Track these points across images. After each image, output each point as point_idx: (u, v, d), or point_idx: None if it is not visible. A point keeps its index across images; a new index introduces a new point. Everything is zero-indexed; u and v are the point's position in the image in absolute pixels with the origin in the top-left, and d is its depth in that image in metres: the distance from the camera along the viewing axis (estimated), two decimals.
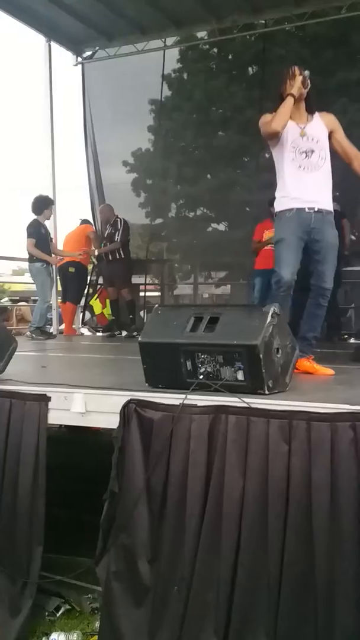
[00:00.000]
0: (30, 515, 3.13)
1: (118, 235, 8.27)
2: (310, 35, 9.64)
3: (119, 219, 8.39)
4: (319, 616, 2.47)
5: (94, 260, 9.07)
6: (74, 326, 9.11)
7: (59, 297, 8.89)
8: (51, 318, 8.72)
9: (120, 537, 2.84)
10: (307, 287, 4.15)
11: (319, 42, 9.65)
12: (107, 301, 8.98)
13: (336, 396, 3.07)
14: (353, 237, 8.57)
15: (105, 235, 8.40)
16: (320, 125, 4.13)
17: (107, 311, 9.17)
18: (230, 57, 11.31)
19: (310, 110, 4.14)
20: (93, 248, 8.75)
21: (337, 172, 4.23)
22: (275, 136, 4.03)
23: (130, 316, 8.44)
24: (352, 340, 6.99)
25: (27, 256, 7.70)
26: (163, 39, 9.51)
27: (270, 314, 3.09)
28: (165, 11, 8.83)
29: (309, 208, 4.01)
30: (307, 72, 4.06)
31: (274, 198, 4.25)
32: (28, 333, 7.72)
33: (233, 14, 8.88)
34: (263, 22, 9.30)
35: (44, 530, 3.13)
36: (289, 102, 4.01)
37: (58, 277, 8.71)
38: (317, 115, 4.16)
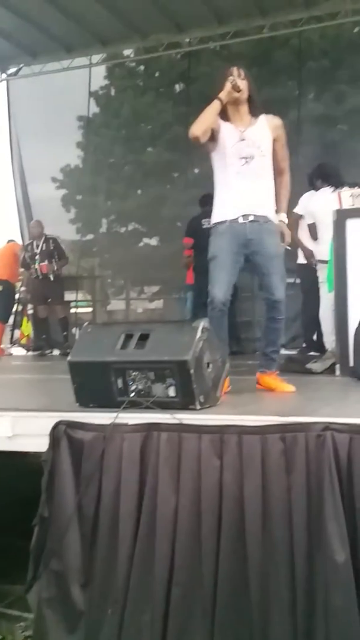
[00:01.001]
0: None
1: (56, 254, 8.20)
2: (234, 53, 9.80)
3: (50, 238, 8.32)
4: (254, 630, 2.47)
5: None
6: (2, 346, 8.93)
7: None
8: None
9: (51, 562, 2.77)
10: None
11: (243, 60, 9.79)
12: (25, 319, 8.87)
13: (266, 408, 3.11)
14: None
15: (39, 252, 8.28)
16: (264, 130, 3.86)
17: (27, 330, 9.06)
18: (156, 74, 11.43)
19: (254, 114, 3.87)
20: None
21: None
22: (196, 141, 3.74)
23: (64, 334, 8.35)
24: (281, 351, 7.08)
25: None
26: (89, 57, 9.53)
27: (200, 329, 3.10)
28: (91, 30, 8.88)
29: (243, 217, 3.78)
30: (235, 80, 3.76)
31: None
32: None
33: (157, 33, 9.00)
34: (188, 40, 9.45)
35: None
36: (212, 106, 3.75)
37: None
38: (262, 118, 3.88)
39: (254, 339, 8.11)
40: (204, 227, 7.32)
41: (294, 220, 5.92)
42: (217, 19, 8.79)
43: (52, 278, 8.19)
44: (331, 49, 10.45)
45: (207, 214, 7.43)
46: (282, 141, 3.94)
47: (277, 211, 3.95)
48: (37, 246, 8.29)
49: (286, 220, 4.01)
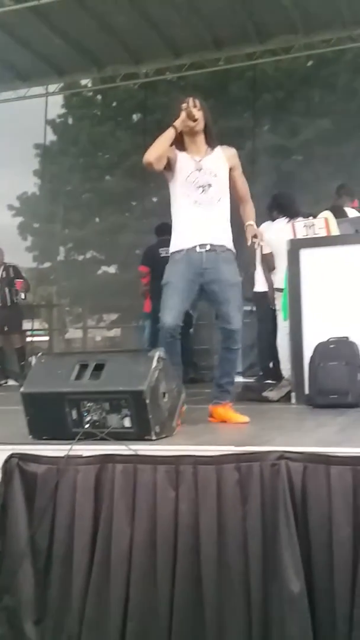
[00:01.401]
0: None
1: (24, 279, 8.16)
2: (190, 84, 9.99)
3: (10, 266, 8.26)
4: None
5: None
6: None
7: None
8: None
9: (4, 598, 2.71)
10: None
11: (199, 91, 9.97)
12: None
13: (222, 438, 3.11)
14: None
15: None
16: (221, 159, 3.88)
17: None
18: (114, 104, 11.55)
19: (211, 144, 3.89)
20: None
21: None
22: (150, 167, 3.72)
23: (22, 363, 8.24)
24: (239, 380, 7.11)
25: None
26: (45, 86, 9.59)
27: (155, 358, 3.10)
28: (47, 60, 8.94)
29: (200, 247, 3.76)
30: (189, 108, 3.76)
31: None
32: None
33: (114, 64, 9.10)
34: (144, 71, 9.59)
35: None
36: (166, 133, 3.75)
37: None
38: (218, 149, 3.90)
39: (211, 367, 8.14)
40: (162, 255, 7.39)
41: (252, 250, 5.99)
42: (173, 51, 8.95)
43: (9, 303, 8.10)
44: (285, 82, 10.74)
45: (164, 242, 7.50)
46: (239, 169, 3.98)
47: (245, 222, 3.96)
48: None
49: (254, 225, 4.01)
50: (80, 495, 2.69)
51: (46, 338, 10.80)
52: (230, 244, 3.89)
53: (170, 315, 3.73)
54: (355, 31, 8.76)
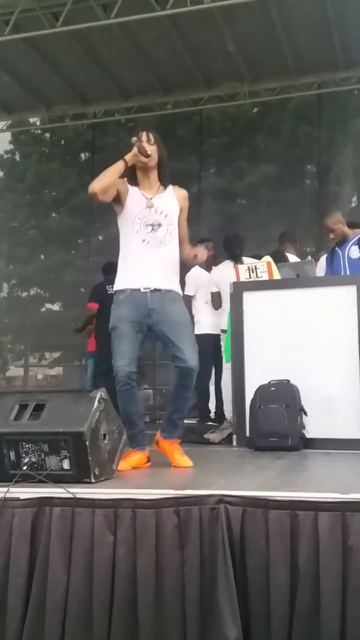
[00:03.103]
0: None
1: None
2: (139, 126, 10.13)
3: None
4: None
5: None
6: None
7: None
8: None
9: None
10: None
11: None
12: None
13: (162, 481, 3.10)
14: None
15: None
16: (172, 199, 3.79)
17: None
18: (62, 142, 11.62)
19: (163, 182, 3.80)
20: None
21: None
22: (95, 197, 3.62)
23: None
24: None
25: None
26: None
27: (97, 399, 3.09)
28: None
29: (144, 288, 3.68)
30: (137, 142, 3.68)
31: None
32: None
33: (63, 104, 9.20)
34: (93, 112, 9.70)
35: None
36: (115, 165, 3.66)
37: None
38: (170, 188, 3.81)
39: (153, 407, 8.14)
40: (109, 292, 7.38)
41: (187, 298, 6.08)
42: (121, 93, 9.11)
43: None
44: (231, 127, 11.03)
45: (111, 281, 7.51)
46: (186, 213, 3.91)
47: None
48: None
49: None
50: (16, 539, 2.63)
51: None
52: (177, 287, 3.83)
53: (123, 361, 3.64)
54: (300, 80, 9.10)
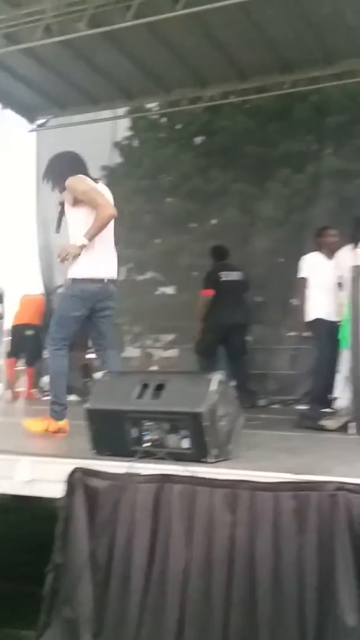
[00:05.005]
0: None
1: None
2: (254, 107, 10.06)
3: None
4: None
5: None
6: (32, 390, 8.99)
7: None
8: None
9: (64, 610, 2.78)
10: None
11: (263, 114, 10.08)
12: None
13: (280, 465, 3.11)
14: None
15: None
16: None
17: None
18: (178, 126, 11.69)
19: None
20: None
21: None
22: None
23: (85, 380, 8.35)
24: (297, 407, 7.06)
25: None
26: (114, 110, 9.82)
27: (215, 381, 3.15)
28: (117, 84, 9.15)
29: None
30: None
31: None
32: None
33: (181, 88, 9.24)
34: (210, 95, 9.71)
35: None
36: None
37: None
38: None
39: (269, 391, 8.12)
40: (222, 279, 7.44)
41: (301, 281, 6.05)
42: (238, 75, 9.03)
43: None
44: (351, 105, 10.67)
45: (223, 267, 7.55)
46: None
47: None
48: None
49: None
50: (139, 513, 2.75)
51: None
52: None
53: None
54: None
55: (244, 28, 7.86)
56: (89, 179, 4.13)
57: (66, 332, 4.14)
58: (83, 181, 4.06)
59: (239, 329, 7.48)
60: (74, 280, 4.09)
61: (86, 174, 4.20)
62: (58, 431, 4.13)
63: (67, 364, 4.21)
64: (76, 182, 4.05)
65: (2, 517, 3.87)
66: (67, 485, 2.91)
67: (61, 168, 4.23)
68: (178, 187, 11.29)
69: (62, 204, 4.19)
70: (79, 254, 4.01)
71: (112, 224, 4.14)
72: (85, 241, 3.98)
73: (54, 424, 4.14)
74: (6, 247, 9.75)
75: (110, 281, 4.15)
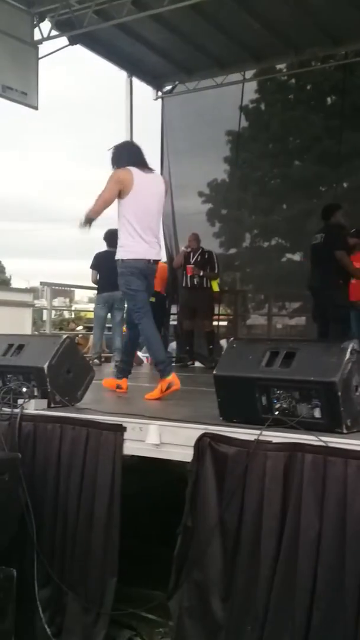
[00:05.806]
0: (105, 546, 3.15)
1: (217, 268, 8.45)
2: None
3: (207, 251, 8.50)
4: None
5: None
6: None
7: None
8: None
9: (193, 572, 2.82)
10: None
11: None
12: None
13: None
14: None
15: (193, 262, 8.42)
16: None
17: None
18: (308, 87, 11.30)
19: None
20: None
21: None
22: None
23: (209, 347, 8.40)
24: None
25: None
26: (242, 72, 9.64)
27: (349, 350, 3.03)
28: (245, 46, 8.97)
29: None
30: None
31: None
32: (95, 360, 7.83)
33: (313, 47, 8.91)
34: (343, 52, 9.30)
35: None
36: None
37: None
38: None
39: None
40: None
41: None
42: None
43: (197, 287, 8.30)
44: None
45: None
46: None
47: None
48: (193, 257, 8.47)
49: None
50: (269, 481, 2.71)
51: (224, 323, 10.88)
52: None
53: None
54: None
55: None
56: (129, 173, 4.55)
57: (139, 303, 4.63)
58: (112, 177, 4.59)
59: None
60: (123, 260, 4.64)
61: (140, 163, 4.68)
62: (169, 388, 4.37)
63: (154, 325, 4.67)
64: (110, 176, 4.60)
65: (132, 478, 3.97)
66: (195, 449, 2.92)
67: (118, 158, 4.74)
68: (307, 149, 10.98)
69: None
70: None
71: (155, 213, 4.85)
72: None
73: (164, 382, 4.38)
74: None
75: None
